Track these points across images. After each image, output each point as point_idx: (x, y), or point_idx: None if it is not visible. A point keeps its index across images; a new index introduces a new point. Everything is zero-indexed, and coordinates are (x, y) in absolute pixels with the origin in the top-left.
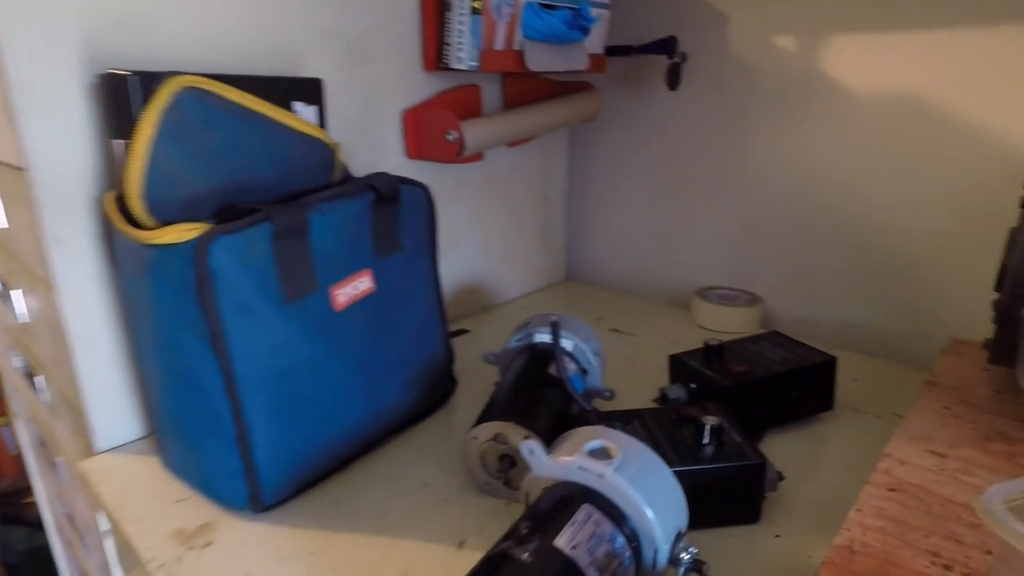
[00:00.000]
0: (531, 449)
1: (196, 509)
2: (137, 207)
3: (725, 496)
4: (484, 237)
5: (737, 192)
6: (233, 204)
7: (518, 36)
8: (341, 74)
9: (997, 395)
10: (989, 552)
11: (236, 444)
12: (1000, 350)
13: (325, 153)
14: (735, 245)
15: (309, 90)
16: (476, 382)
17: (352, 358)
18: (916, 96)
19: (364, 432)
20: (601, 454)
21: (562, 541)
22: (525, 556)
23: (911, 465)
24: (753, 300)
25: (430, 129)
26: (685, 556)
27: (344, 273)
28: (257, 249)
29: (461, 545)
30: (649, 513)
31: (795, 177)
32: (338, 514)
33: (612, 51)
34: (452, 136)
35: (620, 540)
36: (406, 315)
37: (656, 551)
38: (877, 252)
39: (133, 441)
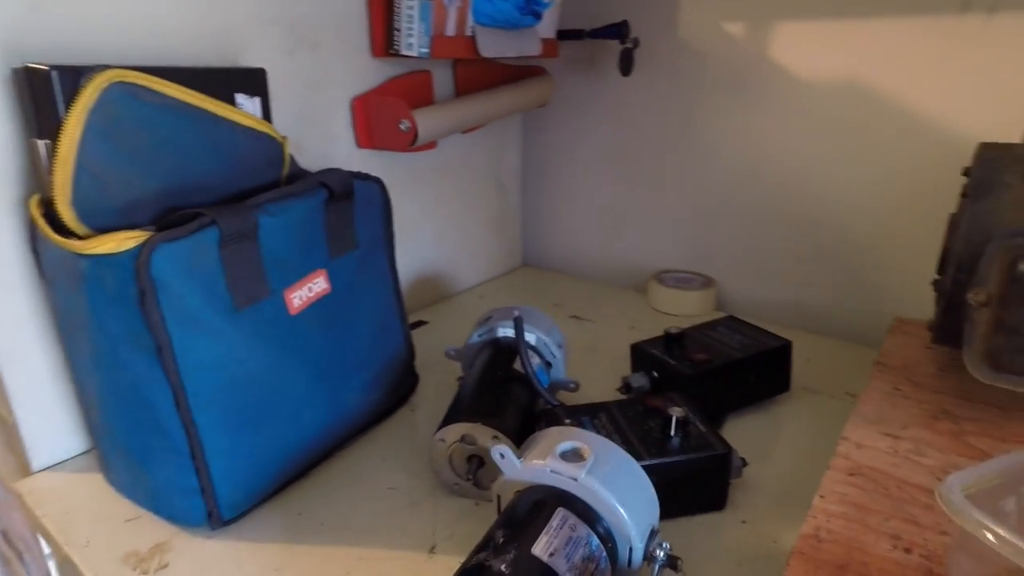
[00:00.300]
0: (502, 453)
1: (148, 528)
2: (67, 215)
3: (693, 486)
4: (439, 226)
5: (690, 176)
6: (175, 208)
7: (469, 21)
8: (285, 62)
9: (941, 373)
10: (944, 533)
11: (190, 461)
12: (943, 331)
13: (272, 148)
14: (689, 228)
15: (252, 81)
16: (438, 376)
17: (310, 362)
18: (864, 83)
19: (326, 437)
20: (573, 456)
21: (539, 549)
22: (503, 567)
23: (867, 448)
24: (707, 283)
25: (381, 118)
26: (659, 552)
27: (298, 275)
28: (203, 256)
29: (432, 551)
30: (624, 513)
31: (746, 161)
32: (302, 525)
33: (563, 35)
34: (404, 125)
35: (595, 542)
36: (364, 314)
37: (631, 550)
38: (826, 234)
39: (74, 457)
